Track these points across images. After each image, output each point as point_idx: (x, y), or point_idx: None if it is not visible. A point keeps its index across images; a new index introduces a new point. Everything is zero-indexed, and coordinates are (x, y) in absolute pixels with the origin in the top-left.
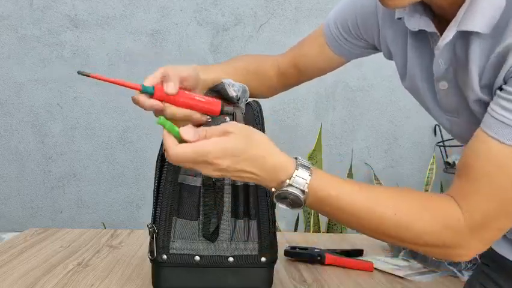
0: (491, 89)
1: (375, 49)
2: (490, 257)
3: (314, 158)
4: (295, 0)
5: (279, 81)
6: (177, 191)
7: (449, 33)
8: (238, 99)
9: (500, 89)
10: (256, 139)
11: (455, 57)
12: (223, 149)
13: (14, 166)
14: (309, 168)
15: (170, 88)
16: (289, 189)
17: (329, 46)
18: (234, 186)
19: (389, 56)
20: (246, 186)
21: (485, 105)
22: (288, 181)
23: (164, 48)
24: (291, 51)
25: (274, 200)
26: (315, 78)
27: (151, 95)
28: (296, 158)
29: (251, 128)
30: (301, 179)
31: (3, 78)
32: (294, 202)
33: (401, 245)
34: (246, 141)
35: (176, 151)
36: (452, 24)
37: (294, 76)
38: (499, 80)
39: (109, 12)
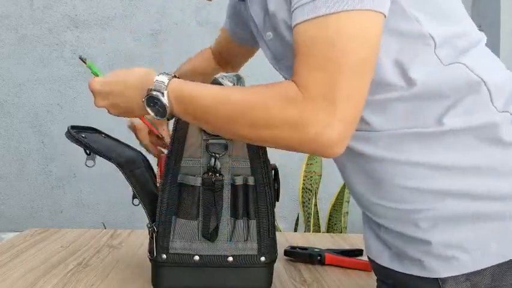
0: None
1: None
2: (381, 273)
3: (314, 158)
4: None
5: (221, 66)
6: (176, 190)
7: None
8: None
9: None
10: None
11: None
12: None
13: (14, 166)
14: (169, 74)
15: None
16: (153, 93)
17: (231, 39)
18: (233, 186)
19: None
20: (246, 186)
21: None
22: (151, 87)
23: (164, 48)
24: (216, 41)
25: (148, 110)
26: (242, 62)
27: None
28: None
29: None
30: (160, 83)
31: (3, 78)
32: (161, 108)
33: (258, 138)
34: (116, 74)
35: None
36: None
37: (225, 62)
38: None
39: (109, 12)
